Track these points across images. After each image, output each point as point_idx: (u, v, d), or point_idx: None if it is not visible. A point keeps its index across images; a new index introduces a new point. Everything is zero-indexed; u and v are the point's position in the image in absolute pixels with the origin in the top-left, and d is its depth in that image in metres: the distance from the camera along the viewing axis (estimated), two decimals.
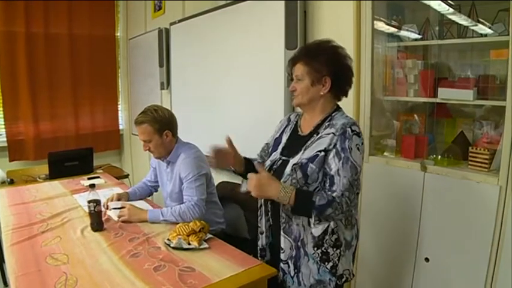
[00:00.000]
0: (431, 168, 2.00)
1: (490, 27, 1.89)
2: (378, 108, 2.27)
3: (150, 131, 2.22)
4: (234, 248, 1.84)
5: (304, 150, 1.62)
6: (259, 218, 1.81)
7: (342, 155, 1.52)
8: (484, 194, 1.80)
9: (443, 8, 2.03)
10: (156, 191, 2.68)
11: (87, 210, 2.07)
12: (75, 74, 4.83)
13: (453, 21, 2.00)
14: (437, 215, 1.98)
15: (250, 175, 1.59)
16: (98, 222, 2.02)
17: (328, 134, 1.57)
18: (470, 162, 1.89)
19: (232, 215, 2.51)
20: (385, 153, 2.28)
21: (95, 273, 1.56)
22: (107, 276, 1.53)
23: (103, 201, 2.19)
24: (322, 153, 1.55)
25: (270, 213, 1.75)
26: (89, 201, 1.98)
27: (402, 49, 2.27)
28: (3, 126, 4.42)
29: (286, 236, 1.65)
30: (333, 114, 1.66)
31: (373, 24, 2.18)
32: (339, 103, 1.72)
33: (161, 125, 2.24)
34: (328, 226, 1.56)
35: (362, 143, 1.57)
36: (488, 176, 1.79)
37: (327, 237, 1.57)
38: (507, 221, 1.72)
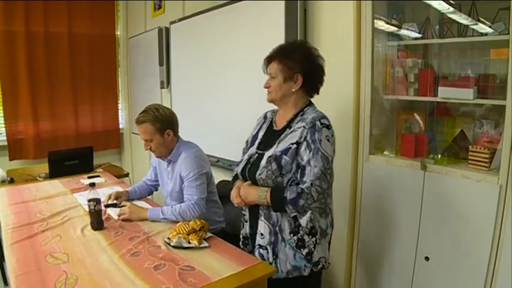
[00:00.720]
0: (431, 167, 2.00)
1: (490, 26, 1.89)
2: (378, 107, 2.26)
3: (151, 130, 2.22)
4: (234, 247, 1.84)
5: (278, 143, 1.74)
6: (244, 209, 1.91)
7: (313, 147, 1.64)
8: (484, 193, 1.79)
9: (443, 6, 2.03)
10: (157, 190, 2.68)
11: (87, 209, 2.07)
12: (75, 73, 4.84)
13: (453, 20, 1.99)
14: (437, 214, 1.98)
15: (234, 187, 1.81)
16: (98, 221, 2.02)
17: (300, 127, 1.70)
18: (470, 161, 1.89)
19: (232, 214, 2.51)
20: (385, 152, 2.28)
21: (95, 272, 1.56)
22: (107, 275, 1.53)
23: (103, 199, 2.19)
24: (295, 145, 1.67)
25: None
26: (89, 200, 1.98)
27: (402, 48, 2.26)
28: (3, 125, 4.43)
29: (266, 222, 1.76)
30: (305, 109, 1.78)
31: (373, 23, 2.18)
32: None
33: (162, 124, 2.23)
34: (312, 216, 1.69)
35: (332, 135, 1.69)
36: (488, 175, 1.79)
37: (303, 224, 1.69)
38: (507, 220, 1.72)
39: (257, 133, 1.94)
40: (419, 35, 2.16)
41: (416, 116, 2.21)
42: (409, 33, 2.21)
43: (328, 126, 1.68)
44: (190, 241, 1.80)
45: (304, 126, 1.68)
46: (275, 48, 1.81)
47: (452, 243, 1.93)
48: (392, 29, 2.24)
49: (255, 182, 1.76)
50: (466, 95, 1.87)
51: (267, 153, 1.74)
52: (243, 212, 1.92)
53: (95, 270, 1.57)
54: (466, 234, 1.87)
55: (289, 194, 1.62)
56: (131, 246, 1.80)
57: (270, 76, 1.79)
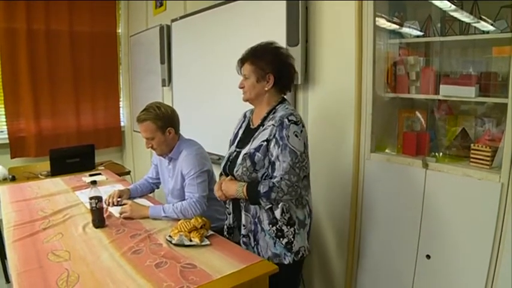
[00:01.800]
0: (432, 165, 2.00)
1: (492, 24, 1.88)
2: (379, 105, 2.26)
3: (152, 129, 2.22)
4: (235, 245, 1.85)
5: (253, 141, 1.84)
6: (227, 202, 2.01)
7: (281, 143, 1.72)
8: (485, 191, 1.79)
9: (445, 4, 2.03)
10: (158, 187, 2.68)
11: (88, 207, 2.08)
12: (77, 70, 4.85)
13: (455, 18, 1.99)
14: (438, 212, 1.98)
15: (216, 185, 1.93)
16: (99, 219, 2.03)
17: (270, 125, 1.79)
18: (471, 160, 1.89)
19: None
20: (386, 150, 2.28)
21: (97, 269, 1.56)
22: (109, 273, 1.53)
23: (104, 198, 2.20)
24: (265, 142, 1.78)
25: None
26: (91, 198, 1.99)
27: (404, 46, 2.26)
28: (4, 123, 4.43)
29: (247, 213, 1.88)
30: (277, 107, 1.87)
31: (374, 21, 2.18)
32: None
33: (164, 122, 2.23)
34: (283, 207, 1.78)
35: (301, 131, 1.76)
36: (490, 173, 1.78)
37: (279, 216, 1.79)
38: (508, 218, 1.71)
39: (237, 132, 2.04)
40: (421, 33, 2.16)
41: (418, 114, 2.20)
42: (411, 31, 2.20)
43: (296, 122, 1.75)
44: (192, 239, 1.80)
45: (273, 124, 1.77)
46: (247, 50, 1.90)
47: (453, 242, 1.93)
48: (394, 27, 2.23)
49: (234, 178, 1.87)
50: (467, 93, 1.87)
51: (243, 151, 1.85)
52: (226, 205, 2.04)
53: (97, 267, 1.58)
54: (468, 232, 1.87)
55: (262, 188, 1.72)
56: (133, 244, 1.81)
57: (244, 77, 1.89)
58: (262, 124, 1.86)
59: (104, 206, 2.12)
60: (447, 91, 1.95)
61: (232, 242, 1.92)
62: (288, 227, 1.80)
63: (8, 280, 3.14)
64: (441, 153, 2.06)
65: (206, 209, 2.19)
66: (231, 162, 1.90)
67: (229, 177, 1.89)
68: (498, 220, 1.75)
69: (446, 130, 2.11)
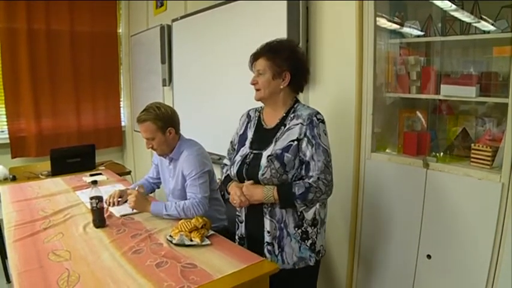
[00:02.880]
0: (433, 165, 2.00)
1: (492, 24, 1.88)
2: (380, 105, 2.26)
3: (153, 129, 2.22)
4: (236, 245, 1.85)
5: (276, 141, 1.75)
6: (238, 209, 1.93)
7: (313, 142, 1.69)
8: (486, 191, 1.79)
9: (446, 4, 2.03)
10: (159, 187, 2.68)
11: (89, 207, 2.08)
12: (77, 70, 4.84)
13: (456, 17, 1.99)
14: (439, 212, 1.98)
15: (231, 188, 1.80)
16: (100, 218, 2.03)
17: (296, 124, 1.73)
18: (472, 159, 1.89)
19: (234, 212, 2.51)
20: (387, 150, 2.28)
21: (97, 269, 1.56)
22: (109, 273, 1.53)
23: (105, 197, 2.20)
24: (295, 142, 1.71)
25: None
26: (91, 198, 1.99)
27: (404, 46, 2.26)
28: (5, 123, 4.43)
29: (271, 218, 1.78)
30: (296, 106, 1.82)
31: (375, 21, 2.18)
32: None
33: (164, 122, 2.23)
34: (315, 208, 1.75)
35: (326, 129, 1.75)
36: (491, 173, 1.78)
37: (308, 218, 1.75)
38: (509, 218, 1.71)
39: (245, 132, 1.94)
40: (422, 33, 2.16)
41: (419, 114, 2.21)
42: (412, 31, 2.20)
43: (323, 121, 1.75)
44: (192, 239, 1.80)
45: (301, 123, 1.72)
46: (262, 45, 1.84)
47: (454, 241, 1.93)
48: (395, 26, 2.23)
49: (255, 182, 1.76)
50: (468, 92, 1.87)
51: (265, 153, 1.75)
52: (237, 213, 1.96)
53: (97, 267, 1.58)
54: (468, 232, 1.87)
55: (298, 189, 1.65)
56: (133, 243, 1.81)
57: (257, 73, 1.81)
58: (283, 124, 1.79)
59: (105, 206, 2.12)
60: (448, 91, 1.95)
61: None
62: (312, 227, 1.76)
63: (8, 280, 3.15)
64: (442, 153, 2.06)
65: (207, 209, 2.19)
66: (250, 165, 1.79)
67: (250, 181, 1.77)
68: (499, 220, 1.75)
69: (447, 130, 2.11)
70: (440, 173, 1.97)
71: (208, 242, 1.81)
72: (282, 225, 1.76)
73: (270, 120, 1.86)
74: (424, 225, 2.05)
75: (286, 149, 1.71)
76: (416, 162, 2.07)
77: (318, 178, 1.66)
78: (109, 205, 2.32)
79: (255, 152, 1.81)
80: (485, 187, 1.79)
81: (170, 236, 1.85)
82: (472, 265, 1.86)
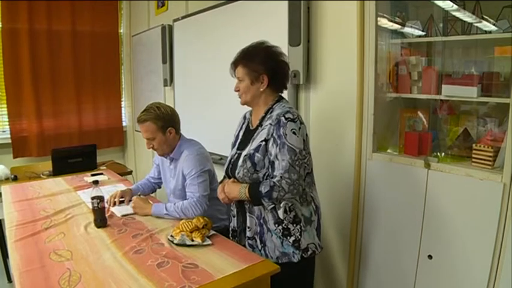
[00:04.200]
0: (434, 165, 2.00)
1: (494, 24, 1.88)
2: (381, 105, 2.26)
3: (153, 129, 2.23)
4: (236, 245, 1.85)
5: (252, 142, 1.84)
6: (232, 204, 2.01)
7: (279, 141, 1.72)
8: (487, 191, 1.79)
9: (447, 4, 2.02)
10: (160, 187, 2.69)
11: (90, 207, 2.08)
12: (78, 70, 4.85)
13: (457, 17, 1.99)
14: (440, 212, 1.98)
15: (220, 185, 1.93)
16: (101, 218, 2.03)
17: (267, 125, 1.79)
18: (473, 160, 1.88)
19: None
20: (388, 150, 2.28)
21: (99, 269, 1.56)
22: (110, 273, 1.53)
23: (106, 197, 2.20)
24: (264, 142, 1.77)
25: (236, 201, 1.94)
26: (93, 198, 1.99)
27: (406, 46, 2.26)
28: (7, 123, 4.43)
29: (251, 215, 1.87)
30: (274, 106, 1.86)
31: (376, 21, 2.17)
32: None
33: (164, 122, 2.24)
34: (286, 205, 1.78)
35: (299, 128, 1.74)
36: (492, 174, 1.78)
37: (285, 214, 1.78)
38: (510, 218, 1.71)
39: (238, 134, 2.03)
40: (423, 33, 2.15)
41: (420, 114, 2.20)
42: (413, 31, 2.20)
43: (294, 120, 1.74)
44: (194, 239, 1.80)
45: (270, 123, 1.77)
46: (238, 52, 1.89)
47: (455, 242, 1.93)
48: (396, 26, 2.23)
49: (238, 181, 1.86)
50: (469, 93, 1.87)
51: (243, 153, 1.84)
52: (231, 207, 2.04)
53: (98, 267, 1.58)
54: (470, 232, 1.87)
55: (264, 188, 1.72)
56: (134, 243, 1.81)
57: (238, 80, 1.88)
58: (260, 124, 1.86)
59: (106, 205, 2.12)
60: (449, 91, 1.94)
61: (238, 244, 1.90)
62: (294, 225, 1.79)
63: (10, 279, 3.15)
64: (443, 153, 2.06)
65: (207, 209, 2.20)
66: (233, 164, 1.90)
67: (231, 179, 1.88)
68: (500, 220, 1.74)
69: (448, 130, 2.11)
70: (441, 174, 1.97)
71: (210, 242, 1.81)
72: (262, 221, 1.84)
73: (254, 121, 1.93)
74: (425, 226, 2.05)
75: (257, 149, 1.78)
76: (417, 163, 2.06)
77: (281, 177, 1.69)
78: (110, 205, 2.32)
79: (238, 152, 1.91)
80: (487, 187, 1.79)
81: (171, 236, 1.85)
82: (473, 265, 1.86)
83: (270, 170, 1.76)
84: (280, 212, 1.77)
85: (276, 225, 1.79)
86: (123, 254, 1.70)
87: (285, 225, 1.78)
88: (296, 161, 1.70)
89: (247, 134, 1.94)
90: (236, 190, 1.81)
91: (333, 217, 2.56)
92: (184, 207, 2.12)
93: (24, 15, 4.32)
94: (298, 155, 1.71)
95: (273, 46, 1.86)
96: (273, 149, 1.73)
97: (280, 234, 1.79)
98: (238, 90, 1.88)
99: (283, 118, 1.73)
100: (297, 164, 1.71)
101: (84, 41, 4.86)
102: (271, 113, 1.83)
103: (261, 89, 1.84)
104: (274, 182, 1.70)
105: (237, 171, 1.83)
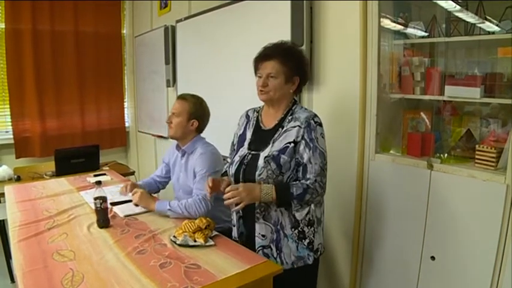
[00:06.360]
0: (437, 166, 2.00)
1: (497, 25, 1.88)
2: (384, 106, 2.26)
3: (184, 109, 2.32)
4: (239, 246, 1.84)
5: (273, 143, 1.79)
6: (232, 213, 1.98)
7: (311, 145, 1.72)
8: (490, 192, 1.79)
9: (450, 5, 2.02)
10: (164, 187, 2.68)
11: (93, 207, 2.08)
12: (81, 71, 4.85)
13: (460, 18, 1.98)
14: (443, 213, 1.98)
15: (230, 188, 1.73)
16: (104, 218, 2.03)
17: (294, 127, 1.76)
18: (476, 161, 1.88)
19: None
20: (391, 151, 2.28)
21: (101, 269, 1.56)
22: (113, 273, 1.54)
23: (109, 198, 2.20)
24: (292, 144, 1.73)
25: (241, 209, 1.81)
26: (95, 198, 1.99)
27: (409, 46, 2.26)
28: (10, 124, 4.44)
29: (267, 222, 1.81)
30: (293, 108, 1.84)
31: (379, 22, 2.17)
32: None
33: (195, 112, 2.33)
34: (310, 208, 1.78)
35: (324, 133, 1.79)
36: (495, 175, 1.78)
37: (302, 217, 1.77)
38: None
39: (244, 133, 1.97)
40: (426, 34, 2.15)
41: (423, 115, 2.20)
42: (416, 31, 2.20)
43: (321, 124, 1.78)
44: (196, 239, 1.80)
45: (299, 126, 1.75)
46: (270, 46, 1.85)
47: (458, 243, 1.92)
48: (399, 27, 2.23)
49: (251, 182, 1.78)
50: (472, 93, 1.86)
51: (263, 154, 1.78)
52: (231, 216, 2.00)
53: (101, 267, 1.58)
54: (473, 233, 1.86)
55: (296, 190, 1.69)
56: (137, 244, 1.81)
57: (266, 75, 1.79)
58: (280, 126, 1.81)
59: (109, 206, 2.13)
60: (452, 92, 1.94)
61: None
62: (309, 227, 1.79)
63: (13, 280, 3.16)
64: (446, 154, 2.06)
65: (212, 210, 2.19)
66: (247, 165, 1.83)
67: (245, 183, 1.78)
68: (503, 222, 1.74)
69: (451, 131, 2.11)
70: (444, 174, 1.96)
71: (212, 243, 1.81)
72: (279, 227, 1.80)
73: (269, 121, 1.89)
74: (428, 227, 2.04)
75: (282, 150, 1.74)
76: (420, 164, 2.06)
77: (315, 180, 1.70)
78: (127, 192, 2.39)
79: (253, 152, 1.85)
80: (490, 188, 1.78)
81: (174, 236, 1.85)
82: (476, 267, 1.85)
83: (298, 173, 1.75)
84: (298, 215, 1.77)
85: (293, 229, 1.78)
86: (126, 254, 1.70)
87: (301, 228, 1.78)
88: (325, 165, 1.75)
89: (260, 134, 1.88)
90: (257, 192, 1.70)
91: (336, 218, 2.56)
92: (188, 205, 2.13)
93: (27, 15, 4.33)
94: (326, 159, 1.76)
95: (301, 49, 1.92)
96: (305, 153, 1.72)
97: (296, 238, 1.78)
98: (266, 86, 1.79)
99: (312, 122, 1.74)
100: (325, 167, 1.75)
101: (87, 41, 4.86)
102: (291, 115, 1.81)
103: (291, 90, 1.83)
104: (307, 185, 1.70)
105: (258, 173, 1.75)
